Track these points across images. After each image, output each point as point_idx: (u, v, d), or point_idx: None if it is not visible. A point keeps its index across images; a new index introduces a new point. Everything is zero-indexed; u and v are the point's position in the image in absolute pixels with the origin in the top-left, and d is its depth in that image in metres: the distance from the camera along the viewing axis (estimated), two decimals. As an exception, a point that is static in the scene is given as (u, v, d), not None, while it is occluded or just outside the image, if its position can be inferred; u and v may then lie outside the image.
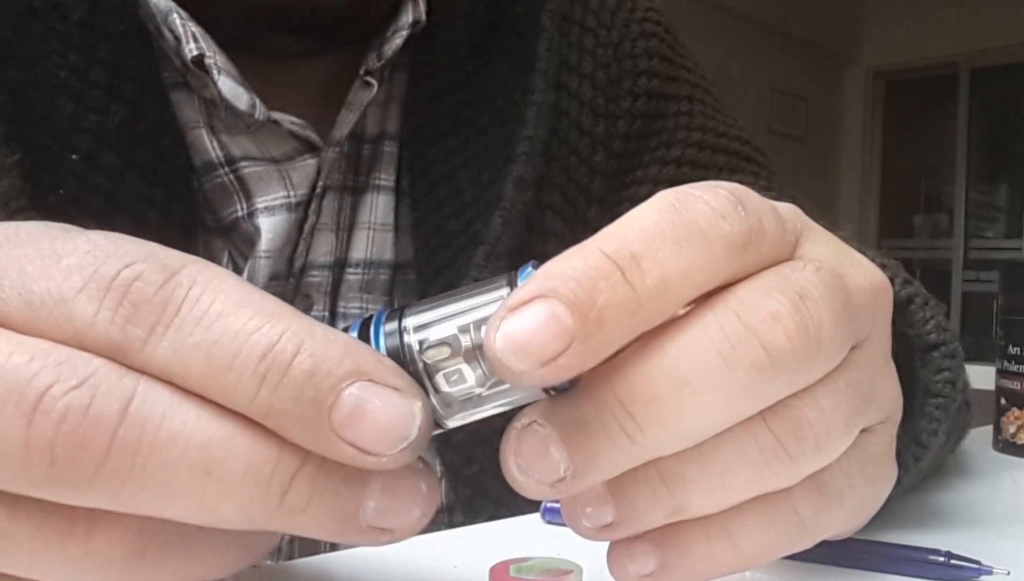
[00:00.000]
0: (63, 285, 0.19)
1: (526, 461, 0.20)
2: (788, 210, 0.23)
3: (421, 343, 0.20)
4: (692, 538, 0.22)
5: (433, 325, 0.20)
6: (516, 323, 0.19)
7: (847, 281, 0.22)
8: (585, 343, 0.19)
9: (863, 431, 0.23)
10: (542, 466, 0.20)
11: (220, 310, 0.18)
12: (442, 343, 0.20)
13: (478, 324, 0.20)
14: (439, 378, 0.20)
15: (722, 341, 0.20)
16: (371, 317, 0.21)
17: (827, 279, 0.21)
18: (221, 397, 0.18)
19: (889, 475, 0.26)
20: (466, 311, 0.20)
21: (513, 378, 0.19)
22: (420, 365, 0.20)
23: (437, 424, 0.21)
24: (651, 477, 0.21)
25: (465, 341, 0.20)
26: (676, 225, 0.20)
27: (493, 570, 0.26)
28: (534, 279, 0.19)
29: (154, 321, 0.18)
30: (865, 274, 0.24)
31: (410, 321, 0.21)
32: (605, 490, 0.21)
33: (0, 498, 0.18)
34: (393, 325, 0.21)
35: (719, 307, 0.20)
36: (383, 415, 0.18)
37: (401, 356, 0.20)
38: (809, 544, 0.23)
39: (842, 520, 0.24)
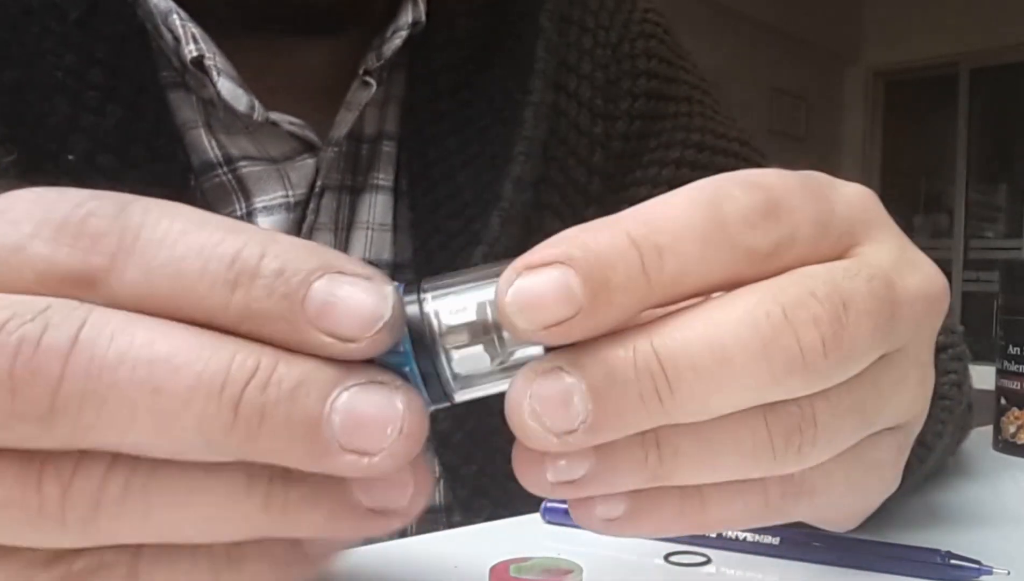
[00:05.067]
0: (13, 234, 0.19)
1: (543, 407, 0.19)
2: (848, 206, 0.23)
3: (439, 315, 0.20)
4: (666, 494, 0.22)
5: (451, 298, 0.20)
6: (529, 283, 0.19)
7: (899, 292, 0.22)
8: (590, 316, 0.19)
9: (867, 436, 0.23)
10: (559, 414, 0.19)
11: (182, 228, 0.19)
12: (461, 316, 0.20)
13: (495, 304, 0.20)
14: (455, 352, 0.20)
15: (766, 330, 0.20)
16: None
17: (878, 290, 0.21)
18: (193, 309, 0.18)
19: (886, 480, 0.25)
20: (484, 286, 0.20)
21: (515, 333, 0.19)
22: (437, 336, 0.20)
23: (445, 396, 0.21)
24: (647, 442, 0.20)
25: (483, 316, 0.20)
26: (705, 225, 0.20)
27: (493, 570, 0.26)
28: (556, 242, 0.20)
29: (114, 248, 0.18)
30: (923, 282, 0.23)
31: (430, 294, 0.21)
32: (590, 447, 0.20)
33: None
34: (413, 297, 0.21)
35: (767, 296, 0.20)
36: (355, 299, 0.18)
37: (421, 326, 0.20)
38: (772, 523, 0.23)
39: (812, 512, 0.24)
